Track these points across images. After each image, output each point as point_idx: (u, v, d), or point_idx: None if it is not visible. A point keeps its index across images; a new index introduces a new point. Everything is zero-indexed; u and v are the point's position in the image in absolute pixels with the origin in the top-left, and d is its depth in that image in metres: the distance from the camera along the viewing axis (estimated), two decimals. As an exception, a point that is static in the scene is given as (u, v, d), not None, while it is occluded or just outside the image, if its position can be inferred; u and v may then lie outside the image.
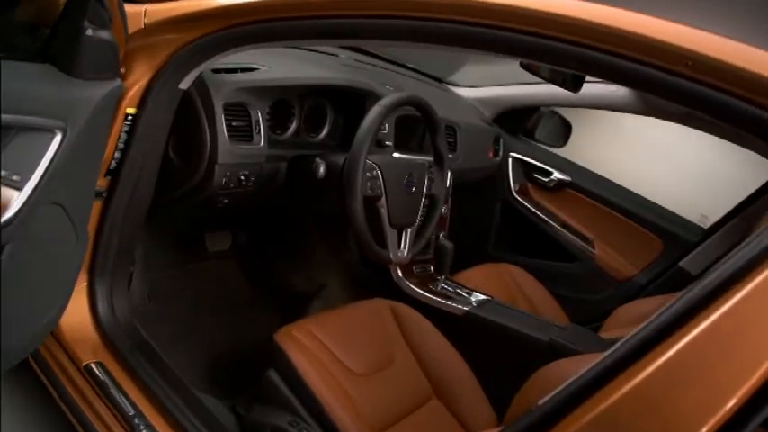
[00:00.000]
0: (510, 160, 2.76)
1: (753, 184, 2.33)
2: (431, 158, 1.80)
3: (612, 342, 1.73)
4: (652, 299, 2.24)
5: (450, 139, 2.27)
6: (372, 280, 2.03)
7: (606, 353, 0.76)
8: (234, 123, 1.49)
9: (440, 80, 2.80)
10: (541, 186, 2.74)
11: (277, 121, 1.70)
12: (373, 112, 1.50)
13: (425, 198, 1.73)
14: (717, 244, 2.34)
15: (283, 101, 1.68)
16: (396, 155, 1.93)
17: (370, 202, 1.54)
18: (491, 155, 2.63)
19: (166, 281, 1.98)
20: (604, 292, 2.57)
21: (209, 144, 1.45)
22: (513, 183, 2.76)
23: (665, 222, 2.51)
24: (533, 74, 1.82)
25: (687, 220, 2.54)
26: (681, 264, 2.40)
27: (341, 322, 1.68)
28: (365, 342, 1.66)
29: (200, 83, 1.44)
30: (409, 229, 1.66)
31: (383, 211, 1.56)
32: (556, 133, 2.82)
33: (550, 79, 1.80)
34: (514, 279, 2.37)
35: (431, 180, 1.75)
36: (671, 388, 0.69)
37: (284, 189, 1.68)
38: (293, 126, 1.74)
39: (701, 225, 2.50)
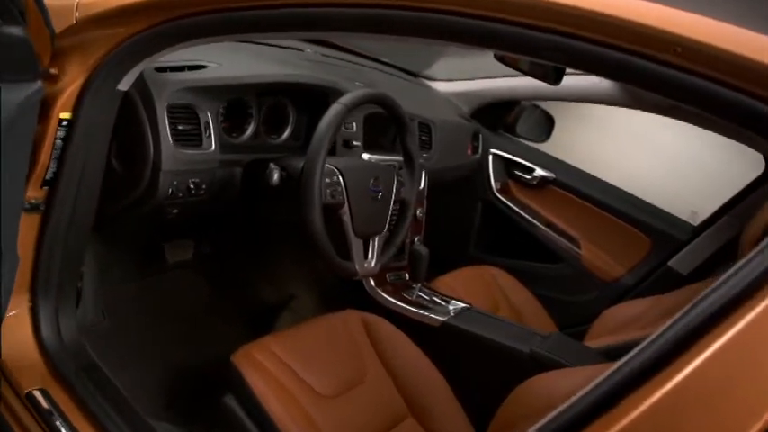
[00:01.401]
0: (490, 157, 2.64)
1: (744, 179, 2.23)
2: (401, 159, 1.68)
3: (598, 351, 1.64)
4: (641, 300, 2.15)
5: (424, 137, 2.14)
6: (344, 290, 1.91)
7: (605, 375, 0.70)
8: (180, 127, 1.36)
9: (415, 74, 2.67)
10: (524, 184, 2.63)
11: (233, 123, 1.57)
12: (332, 112, 1.38)
13: (395, 203, 1.60)
14: (708, 242, 2.24)
15: (239, 101, 1.55)
16: (365, 156, 1.81)
17: (332, 211, 1.41)
18: (470, 152, 2.51)
19: (123, 295, 1.85)
20: (591, 294, 2.47)
21: (152, 150, 1.32)
22: (494, 181, 2.65)
23: (654, 220, 2.41)
24: (511, 67, 1.71)
25: (676, 218, 2.44)
26: (670, 263, 2.31)
27: (306, 338, 1.57)
28: (333, 359, 1.55)
29: (141, 83, 1.31)
30: (377, 238, 1.54)
31: (346, 219, 1.43)
32: (538, 128, 2.72)
33: (530, 72, 1.69)
34: (497, 282, 2.27)
35: (400, 183, 1.62)
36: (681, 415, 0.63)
37: (241, 197, 1.55)
38: (251, 128, 1.61)
39: (691, 222, 2.40)
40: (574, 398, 0.72)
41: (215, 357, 1.48)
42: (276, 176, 1.41)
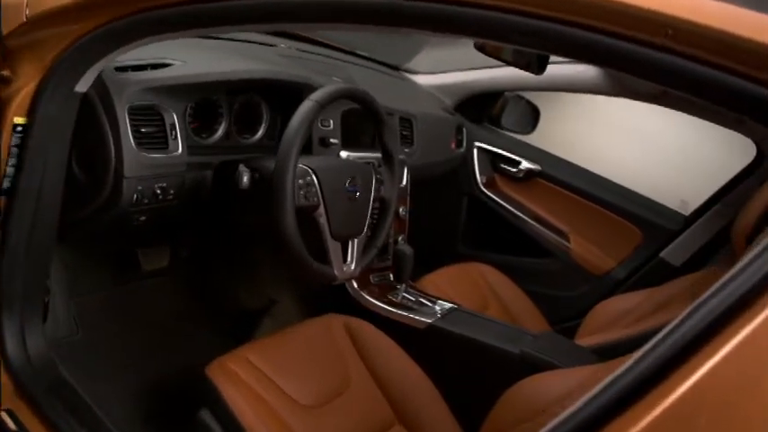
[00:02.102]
0: (475, 151, 2.58)
1: (736, 166, 2.18)
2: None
3: (591, 350, 1.58)
4: (633, 294, 2.10)
5: (405, 132, 2.08)
6: (327, 293, 1.84)
7: (620, 371, 0.63)
8: (143, 129, 1.29)
9: (396, 68, 2.60)
10: (510, 177, 2.57)
11: (202, 124, 1.50)
12: (303, 109, 1.30)
13: (374, 202, 1.54)
14: (699, 232, 2.19)
15: (207, 100, 1.48)
16: (344, 154, 1.74)
17: (306, 213, 1.34)
18: (453, 146, 2.44)
19: (96, 306, 1.78)
20: (582, 288, 2.42)
21: (113, 155, 1.24)
22: (480, 175, 2.58)
23: (644, 211, 2.35)
24: (493, 57, 1.64)
25: (666, 208, 2.39)
26: (662, 255, 2.26)
27: (286, 346, 1.51)
28: (315, 367, 1.49)
29: (100, 84, 1.23)
30: (356, 240, 1.47)
31: (322, 221, 1.36)
32: (523, 119, 2.65)
33: (513, 62, 1.64)
34: (485, 279, 2.21)
35: (379, 181, 1.56)
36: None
37: (213, 201, 1.48)
38: (222, 128, 1.53)
39: (682, 212, 2.34)
40: (584, 398, 0.66)
41: (194, 368, 1.41)
42: (246, 178, 1.34)
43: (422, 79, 2.60)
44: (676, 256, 2.23)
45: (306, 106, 1.31)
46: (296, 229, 1.26)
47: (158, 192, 1.33)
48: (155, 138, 1.31)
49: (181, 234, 1.92)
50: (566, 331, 2.15)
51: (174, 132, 1.33)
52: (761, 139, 2.00)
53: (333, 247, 1.39)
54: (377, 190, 1.53)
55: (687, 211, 2.32)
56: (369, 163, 1.68)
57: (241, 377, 1.36)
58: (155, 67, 1.34)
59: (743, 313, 0.57)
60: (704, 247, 2.18)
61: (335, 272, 1.40)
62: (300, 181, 1.31)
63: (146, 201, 1.32)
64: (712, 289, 0.62)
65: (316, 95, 1.33)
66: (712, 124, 2.07)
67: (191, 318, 1.97)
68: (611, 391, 0.63)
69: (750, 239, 1.59)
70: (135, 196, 1.29)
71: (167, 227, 1.71)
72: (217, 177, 1.44)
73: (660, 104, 2.04)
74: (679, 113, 2.15)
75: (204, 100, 1.47)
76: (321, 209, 1.35)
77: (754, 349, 0.57)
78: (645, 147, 3.00)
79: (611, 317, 2.04)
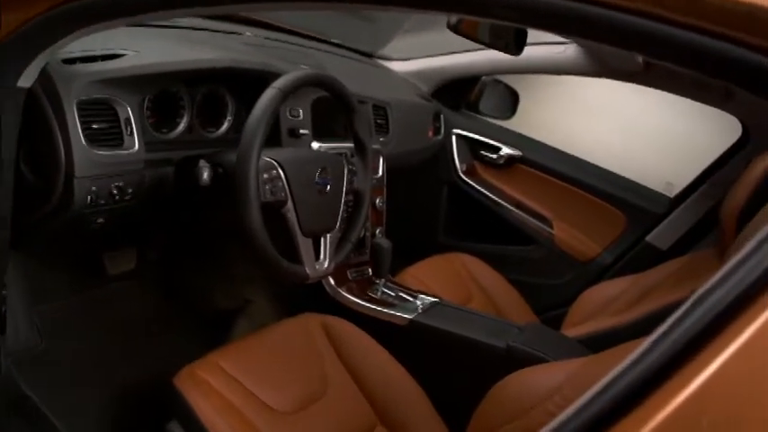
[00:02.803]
0: (453, 138, 2.50)
1: (721, 146, 2.12)
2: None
3: (579, 340, 1.52)
4: (620, 280, 2.06)
5: (380, 120, 2.00)
6: (303, 291, 1.76)
7: (604, 381, 0.58)
8: (95, 125, 1.20)
9: (369, 55, 2.51)
10: (490, 164, 2.49)
11: (162, 118, 1.41)
12: (265, 98, 1.22)
13: (347, 195, 1.46)
14: (686, 214, 2.14)
15: (166, 92, 1.39)
16: (315, 145, 1.66)
17: (273, 209, 1.26)
18: (431, 134, 2.36)
19: (61, 313, 1.68)
20: (567, 276, 2.36)
21: (63, 154, 1.15)
22: (459, 162, 2.50)
23: (628, 194, 2.29)
24: (468, 38, 1.57)
25: (651, 190, 2.33)
26: (648, 239, 2.20)
27: (260, 350, 1.43)
28: (292, 370, 1.42)
29: (45, 78, 1.13)
30: (328, 235, 1.39)
31: (291, 217, 1.28)
32: (502, 104, 2.58)
33: (489, 44, 1.57)
34: (468, 269, 2.14)
35: (352, 172, 1.48)
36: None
37: (176, 199, 1.39)
38: (183, 121, 1.45)
39: (667, 194, 2.28)
40: (587, 396, 0.59)
41: (166, 375, 1.33)
42: (206, 174, 1.25)
43: (396, 66, 2.52)
44: (663, 240, 2.18)
45: (268, 94, 1.22)
46: (262, 227, 1.18)
47: (115, 192, 1.24)
48: (108, 134, 1.22)
49: (147, 235, 1.83)
50: (552, 320, 2.12)
51: (129, 128, 1.24)
52: (746, 117, 1.95)
53: (304, 244, 1.31)
54: (350, 182, 1.46)
55: (672, 193, 2.27)
56: (341, 153, 1.60)
57: (212, 385, 1.28)
58: (106, 58, 1.24)
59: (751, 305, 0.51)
60: (691, 230, 2.13)
61: (307, 270, 1.32)
62: (265, 175, 1.23)
63: (102, 202, 1.23)
64: (717, 277, 0.55)
65: (279, 82, 1.25)
66: (695, 104, 2.02)
67: (162, 322, 1.88)
68: (616, 387, 0.57)
69: (740, 220, 1.53)
70: (89, 197, 1.20)
71: (130, 228, 1.62)
72: (178, 174, 1.35)
73: (641, 83, 1.98)
74: (661, 94, 2.09)
75: (163, 92, 1.38)
76: (289, 204, 1.27)
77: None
78: (627, 129, 2.96)
79: (598, 304, 1.99)
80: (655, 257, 2.14)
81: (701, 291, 0.56)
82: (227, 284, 1.99)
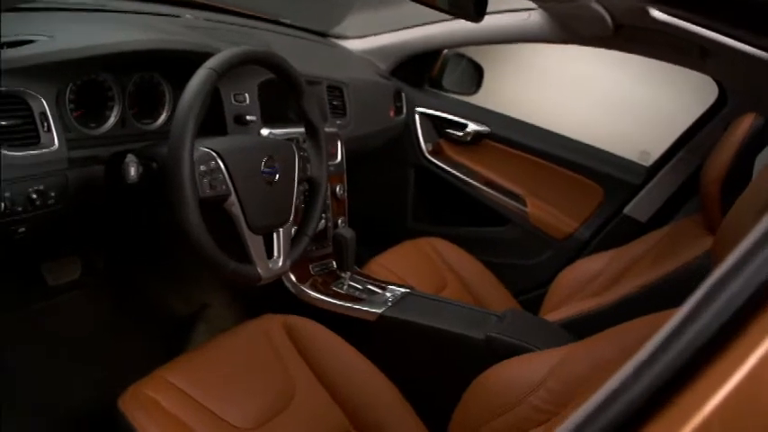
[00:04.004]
0: (417, 117, 2.38)
1: (695, 110, 2.02)
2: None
3: (561, 325, 1.42)
4: (599, 255, 1.97)
5: (336, 102, 1.86)
6: (264, 291, 1.64)
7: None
8: (4, 122, 1.05)
9: (323, 34, 2.37)
10: (457, 142, 2.38)
11: (90, 110, 1.26)
12: (196, 80, 1.08)
13: (301, 184, 1.33)
14: (664, 183, 2.05)
15: (92, 82, 1.24)
16: (265, 131, 1.53)
17: (215, 205, 1.12)
18: (392, 113, 2.23)
19: (-2, 333, 1.54)
20: (545, 254, 2.26)
21: (-33, 157, 1.01)
22: (424, 142, 2.39)
23: (603, 165, 2.19)
24: (426, 5, 1.44)
25: (627, 160, 2.23)
26: (626, 211, 2.11)
27: (216, 359, 1.30)
28: (253, 380, 1.30)
29: (-58, 71, 0.99)
30: (281, 230, 1.26)
31: (236, 212, 1.14)
32: (466, 79, 2.47)
33: (448, 10, 1.44)
34: (440, 254, 2.04)
35: (305, 159, 1.34)
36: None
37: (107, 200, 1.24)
38: (114, 114, 1.30)
39: (643, 163, 2.18)
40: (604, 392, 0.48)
41: (117, 395, 1.20)
42: (133, 171, 1.10)
43: (352, 44, 2.38)
44: (641, 212, 2.09)
45: (200, 75, 1.08)
46: (201, 226, 1.05)
47: (35, 197, 1.09)
48: (21, 131, 1.07)
49: (90, 242, 1.68)
50: (532, 302, 2.05)
51: (45, 123, 1.10)
52: (723, 77, 1.85)
53: (253, 241, 1.18)
54: (303, 169, 1.32)
55: (648, 161, 2.17)
56: (291, 139, 1.46)
57: (160, 404, 1.16)
58: (13, 45, 1.10)
59: None
60: (670, 199, 2.04)
61: (259, 270, 1.19)
62: (202, 167, 1.09)
63: (19, 209, 1.08)
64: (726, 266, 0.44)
65: (211, 62, 1.11)
66: (667, 69, 1.91)
67: (114, 333, 1.74)
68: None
69: (724, 185, 1.44)
70: (2, 205, 1.05)
71: (65, 236, 1.47)
72: (107, 173, 1.21)
73: (612, 48, 1.86)
74: (630, 61, 1.99)
75: (87, 82, 1.24)
76: (233, 198, 1.13)
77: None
78: (598, 99, 2.88)
79: (578, 283, 1.91)
80: (634, 230, 2.05)
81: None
82: (183, 289, 1.85)
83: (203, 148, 1.12)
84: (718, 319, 0.43)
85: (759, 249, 0.44)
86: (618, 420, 0.46)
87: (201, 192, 1.07)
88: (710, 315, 0.44)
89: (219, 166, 1.11)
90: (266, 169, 1.20)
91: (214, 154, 1.12)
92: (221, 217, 1.15)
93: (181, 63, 1.38)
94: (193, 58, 1.36)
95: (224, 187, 1.12)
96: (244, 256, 1.17)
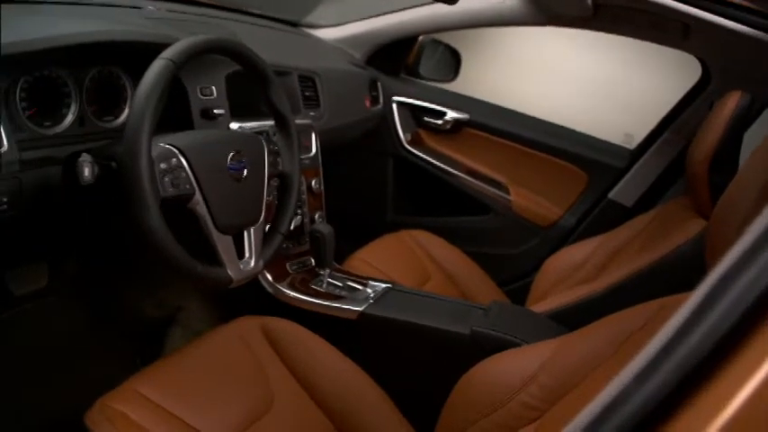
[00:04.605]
0: (394, 106, 2.32)
1: (679, 90, 1.98)
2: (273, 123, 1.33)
3: (549, 317, 1.37)
4: (585, 242, 1.93)
5: (308, 93, 1.79)
6: (240, 292, 1.57)
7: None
8: (-56, 124, 0.98)
9: (294, 24, 2.30)
10: (436, 131, 2.32)
11: (44, 108, 1.18)
12: (152, 72, 1.01)
13: (272, 179, 1.26)
14: (649, 166, 2.01)
15: (44, 78, 1.17)
16: (234, 125, 1.45)
17: (179, 205, 1.05)
18: (368, 103, 2.17)
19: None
20: (529, 243, 2.22)
21: None
22: (403, 132, 2.33)
23: (586, 150, 2.14)
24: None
25: (610, 144, 2.19)
26: (610, 196, 2.07)
27: (189, 367, 1.24)
28: (229, 386, 1.23)
29: None
30: (252, 229, 1.19)
31: (202, 212, 1.07)
32: (443, 66, 2.43)
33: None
34: (422, 247, 1.99)
35: (275, 153, 1.27)
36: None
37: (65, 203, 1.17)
38: (72, 111, 1.22)
39: (627, 146, 2.14)
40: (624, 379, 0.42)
41: (91, 404, 1.13)
42: (87, 171, 1.03)
43: (325, 33, 2.31)
44: (627, 196, 2.04)
45: (156, 67, 1.01)
46: (164, 228, 0.98)
47: (-17, 202, 1.02)
48: (-37, 134, 1.00)
49: (56, 247, 1.60)
50: (518, 292, 2.01)
51: None
52: (706, 55, 1.80)
53: (222, 242, 1.11)
54: (273, 164, 1.25)
55: (632, 144, 2.13)
56: (261, 132, 1.40)
57: (131, 418, 1.09)
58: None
59: None
60: (656, 182, 2.00)
61: (230, 273, 1.12)
62: (163, 165, 1.02)
63: (-33, 217, 1.01)
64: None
65: (168, 52, 1.04)
66: (648, 50, 1.87)
67: (85, 342, 1.66)
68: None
69: (713, 164, 1.39)
70: (-52, 213, 0.98)
71: (22, 243, 1.39)
72: (65, 174, 1.13)
73: (592, 28, 1.81)
74: (611, 44, 1.95)
75: (40, 78, 1.16)
76: (198, 196, 1.06)
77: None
78: (579, 83, 2.84)
79: (564, 271, 1.86)
80: (620, 215, 2.01)
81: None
82: (156, 292, 1.78)
83: (163, 144, 1.04)
84: (737, 306, 0.38)
85: None
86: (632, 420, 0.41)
87: (163, 191, 1.00)
88: (729, 302, 0.39)
89: (182, 162, 1.04)
90: (233, 165, 1.13)
91: (175, 150, 1.04)
92: (187, 217, 1.07)
93: (142, 56, 1.29)
94: (155, 50, 1.28)
95: (187, 186, 1.05)
96: (213, 258, 1.10)
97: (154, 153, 0.99)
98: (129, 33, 1.27)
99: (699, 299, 0.40)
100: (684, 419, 0.38)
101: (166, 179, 1.01)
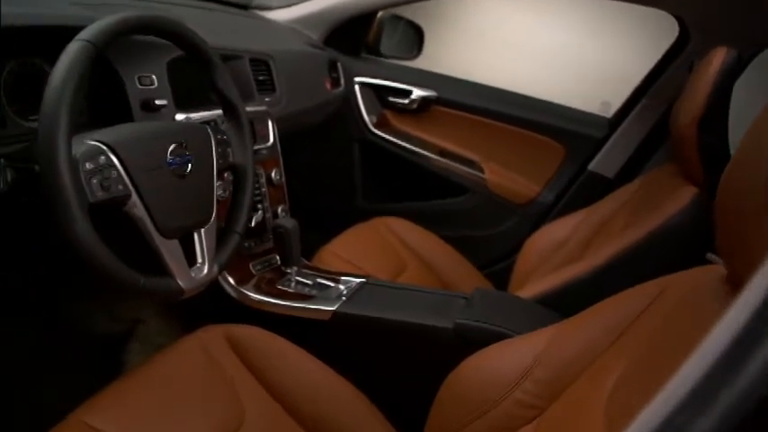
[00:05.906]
0: (357, 88, 2.20)
1: (655, 52, 1.88)
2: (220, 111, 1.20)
3: (537, 301, 1.28)
4: (567, 218, 1.86)
5: (262, 76, 1.66)
6: (202, 299, 1.45)
7: None
8: None
9: (244, 6, 2.16)
10: (402, 111, 2.21)
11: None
12: (67, 56, 0.87)
13: (223, 172, 1.13)
14: (629, 134, 1.93)
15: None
16: (180, 117, 1.32)
17: (112, 209, 0.92)
18: (329, 86, 2.04)
19: None
20: (508, 222, 2.13)
21: None
22: (368, 115, 2.22)
23: (561, 121, 2.05)
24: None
25: (586, 113, 2.09)
26: (590, 168, 1.98)
27: (146, 386, 1.11)
28: (193, 405, 1.10)
29: None
30: (203, 230, 1.06)
31: (139, 215, 0.93)
32: (406, 42, 2.31)
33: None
34: (396, 234, 1.90)
35: (224, 143, 1.14)
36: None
37: None
38: (-11, 111, 1.08)
39: (604, 115, 2.05)
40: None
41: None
42: (8, 177, 0.89)
43: (278, 15, 2.17)
44: (607, 167, 1.96)
45: (71, 50, 0.88)
46: (94, 237, 0.84)
47: None
48: None
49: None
50: (500, 274, 1.93)
51: None
52: (684, 11, 1.70)
53: (167, 248, 0.97)
54: (223, 155, 1.12)
55: (610, 113, 2.03)
56: (207, 122, 1.26)
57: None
58: None
59: None
60: (638, 150, 1.92)
61: (180, 282, 0.99)
62: (89, 165, 0.88)
63: None
64: None
65: (85, 33, 0.90)
66: (619, 11, 1.77)
67: (34, 367, 1.52)
68: None
69: (701, 126, 1.30)
70: None
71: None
72: None
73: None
74: (580, 10, 1.85)
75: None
76: (134, 198, 0.92)
77: None
78: (548, 52, 2.74)
79: (546, 249, 1.78)
80: (602, 187, 1.92)
81: None
82: (111, 305, 1.65)
83: (89, 141, 0.90)
84: None
85: None
86: None
87: (91, 195, 0.86)
88: None
89: (112, 160, 0.90)
90: (174, 159, 1.00)
91: (104, 147, 0.90)
92: (125, 224, 0.94)
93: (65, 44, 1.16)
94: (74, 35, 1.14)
95: (120, 187, 0.91)
96: (156, 268, 0.97)
97: (77, 152, 0.86)
98: (48, 18, 1.12)
99: None
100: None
101: (94, 181, 0.88)
